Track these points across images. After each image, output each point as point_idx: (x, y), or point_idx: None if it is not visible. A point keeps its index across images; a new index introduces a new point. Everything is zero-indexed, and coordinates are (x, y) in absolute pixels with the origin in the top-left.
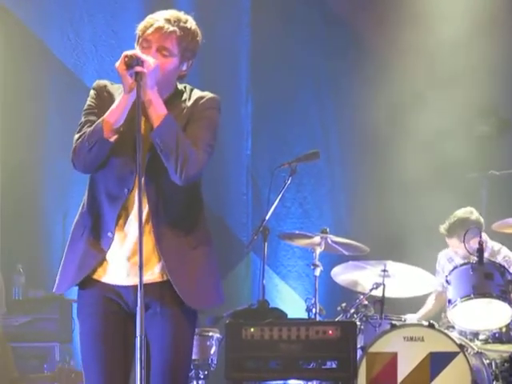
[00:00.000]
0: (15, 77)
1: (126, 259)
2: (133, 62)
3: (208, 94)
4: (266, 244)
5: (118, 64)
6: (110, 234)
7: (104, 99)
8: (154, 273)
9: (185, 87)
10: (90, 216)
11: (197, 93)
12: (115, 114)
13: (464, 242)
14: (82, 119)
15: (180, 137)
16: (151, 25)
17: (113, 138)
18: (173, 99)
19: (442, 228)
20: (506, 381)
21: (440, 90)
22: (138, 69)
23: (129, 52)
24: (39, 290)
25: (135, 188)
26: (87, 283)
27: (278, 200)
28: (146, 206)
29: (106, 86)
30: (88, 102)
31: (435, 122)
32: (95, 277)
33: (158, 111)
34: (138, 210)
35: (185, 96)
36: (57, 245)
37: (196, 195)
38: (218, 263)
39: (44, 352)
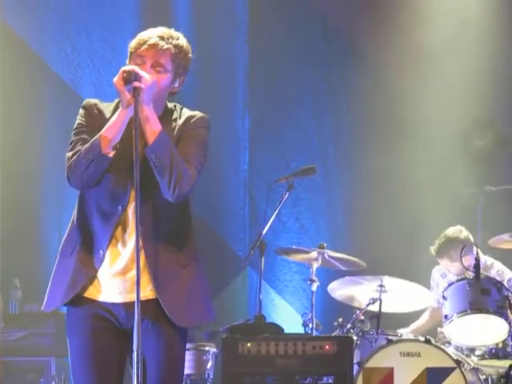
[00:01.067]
0: (13, 90)
1: (118, 277)
2: (131, 78)
3: (198, 114)
4: (263, 259)
5: (116, 79)
6: (101, 251)
7: (94, 117)
8: (145, 290)
9: (175, 106)
10: (80, 233)
11: (187, 112)
12: (113, 130)
13: (461, 260)
14: (73, 138)
15: (174, 153)
16: (145, 42)
17: (111, 154)
18: (164, 117)
19: (432, 249)
20: None
21: (437, 104)
22: (136, 84)
23: (127, 67)
24: (35, 305)
25: (129, 205)
26: (77, 301)
27: (274, 215)
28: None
29: (96, 104)
30: (78, 121)
31: (431, 137)
32: (86, 295)
33: (153, 128)
34: (135, 226)
35: (175, 115)
36: (53, 259)
37: (186, 214)
38: (207, 281)
39: (40, 366)
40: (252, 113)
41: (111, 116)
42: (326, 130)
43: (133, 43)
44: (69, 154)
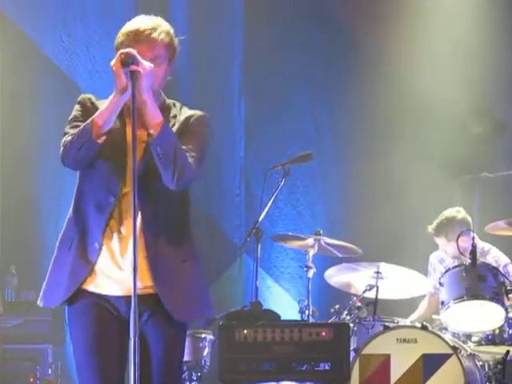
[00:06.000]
0: (8, 78)
1: (117, 269)
2: (129, 60)
3: (198, 112)
4: (259, 246)
5: (113, 62)
6: (96, 244)
7: (89, 110)
8: (145, 284)
9: (174, 104)
10: (77, 228)
11: (187, 111)
12: (104, 115)
13: (457, 241)
14: (67, 126)
15: (178, 144)
16: (136, 34)
17: (101, 140)
18: (162, 112)
19: (430, 228)
20: (498, 383)
21: (434, 92)
22: (134, 67)
23: (125, 50)
24: (32, 292)
25: (122, 195)
26: (78, 293)
27: (271, 202)
28: (139, 216)
29: (90, 99)
30: (73, 113)
31: (428, 124)
32: (85, 287)
33: (155, 118)
34: (133, 216)
35: (174, 111)
36: (50, 247)
37: (185, 207)
38: (204, 277)
39: (37, 354)
40: (248, 100)
41: None
42: (322, 117)
43: (122, 35)
44: (63, 139)
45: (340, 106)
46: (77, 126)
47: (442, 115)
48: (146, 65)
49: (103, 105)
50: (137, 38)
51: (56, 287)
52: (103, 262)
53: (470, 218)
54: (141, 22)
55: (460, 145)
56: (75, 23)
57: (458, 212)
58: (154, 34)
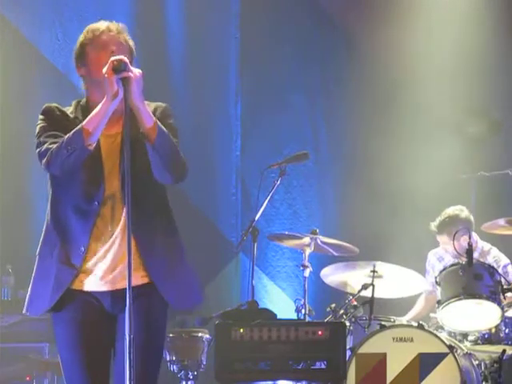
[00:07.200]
0: (3, 77)
1: (103, 269)
2: (121, 67)
3: (161, 104)
4: (256, 245)
5: (105, 69)
6: (82, 248)
7: (57, 119)
8: (137, 277)
9: None
10: (58, 235)
11: (150, 104)
12: (95, 121)
13: (453, 240)
14: (42, 137)
15: (173, 141)
16: (106, 35)
17: (91, 146)
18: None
19: (433, 225)
20: (495, 382)
21: (430, 91)
22: (126, 74)
23: (117, 57)
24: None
25: (108, 199)
26: (63, 296)
27: (267, 201)
28: (123, 213)
29: (57, 107)
30: (41, 124)
31: (425, 123)
32: (72, 287)
33: (149, 121)
34: (126, 217)
35: None
36: None
37: (165, 195)
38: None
39: (33, 353)
40: (244, 99)
41: (75, 116)
42: (319, 116)
43: (89, 34)
44: (43, 147)
45: (336, 105)
46: (53, 136)
47: (438, 115)
48: (136, 71)
49: (69, 111)
50: (107, 39)
51: (42, 295)
52: (89, 264)
53: (472, 218)
54: (106, 24)
55: (456, 144)
56: (71, 22)
57: (461, 211)
58: (121, 36)
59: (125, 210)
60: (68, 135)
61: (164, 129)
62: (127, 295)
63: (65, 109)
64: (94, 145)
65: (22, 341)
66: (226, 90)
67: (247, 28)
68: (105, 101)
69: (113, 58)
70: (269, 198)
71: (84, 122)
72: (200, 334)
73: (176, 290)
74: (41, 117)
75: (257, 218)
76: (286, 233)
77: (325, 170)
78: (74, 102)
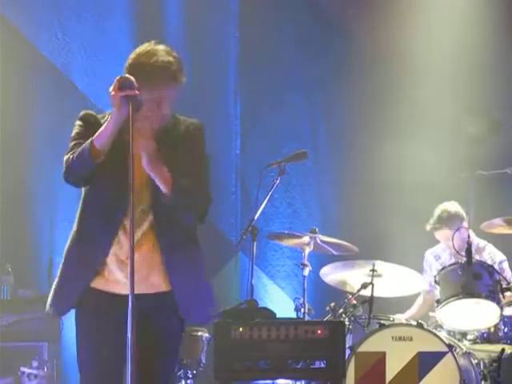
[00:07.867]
0: (3, 76)
1: (126, 274)
2: (126, 84)
3: (195, 123)
4: (255, 244)
5: (111, 88)
6: (104, 256)
7: (92, 126)
8: (160, 285)
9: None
10: (83, 239)
11: (185, 120)
12: (103, 137)
13: (453, 237)
14: (71, 144)
15: (193, 191)
16: (166, 78)
17: (100, 159)
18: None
19: (429, 223)
20: (494, 381)
21: (429, 90)
22: (130, 92)
23: (123, 75)
24: (28, 290)
25: (133, 210)
26: (85, 293)
27: (266, 200)
28: (152, 222)
29: (93, 115)
30: (75, 130)
31: (424, 122)
32: (94, 286)
33: (163, 187)
34: (130, 230)
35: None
36: (45, 245)
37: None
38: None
39: (33, 351)
40: (243, 98)
41: None
42: (318, 115)
43: (145, 66)
44: (66, 156)
45: (335, 104)
46: (79, 144)
47: (438, 114)
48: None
49: (104, 119)
50: (166, 81)
51: (63, 299)
52: (111, 272)
53: (463, 211)
54: (164, 55)
55: (455, 143)
56: (71, 21)
57: (452, 204)
58: (179, 76)
59: (148, 219)
60: (80, 148)
61: (181, 186)
62: (129, 297)
63: (100, 116)
64: (103, 158)
65: (21, 340)
66: (226, 90)
67: (246, 27)
68: (111, 118)
69: (118, 76)
70: (268, 197)
71: (94, 137)
72: (199, 333)
73: (193, 304)
74: (77, 122)
75: (256, 217)
76: (286, 232)
77: (324, 168)
78: (108, 112)
